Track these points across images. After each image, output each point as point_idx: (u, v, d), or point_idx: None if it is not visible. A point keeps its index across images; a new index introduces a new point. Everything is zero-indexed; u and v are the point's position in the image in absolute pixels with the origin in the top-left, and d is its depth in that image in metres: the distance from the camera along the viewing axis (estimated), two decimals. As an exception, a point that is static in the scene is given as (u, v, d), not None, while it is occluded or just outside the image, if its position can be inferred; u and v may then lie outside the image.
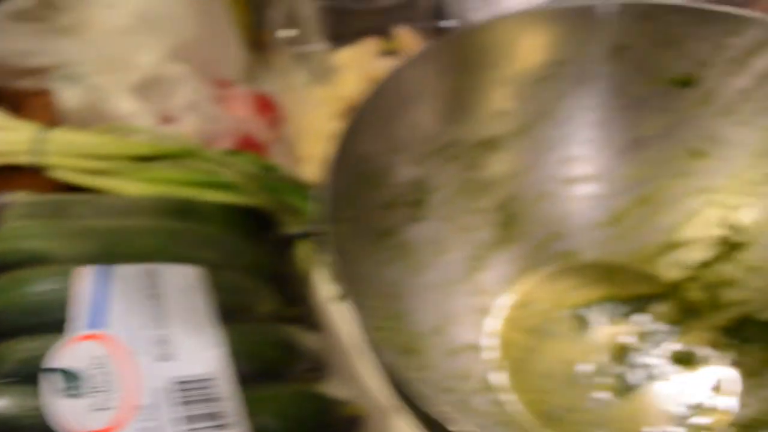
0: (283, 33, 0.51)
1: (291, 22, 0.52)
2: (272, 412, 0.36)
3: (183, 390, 0.33)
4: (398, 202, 0.40)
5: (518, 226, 0.45)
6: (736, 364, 0.41)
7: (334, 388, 0.40)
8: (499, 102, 0.43)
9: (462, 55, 0.40)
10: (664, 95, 0.44)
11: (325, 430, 0.37)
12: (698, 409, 0.39)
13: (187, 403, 0.33)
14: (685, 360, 0.41)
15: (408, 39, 0.53)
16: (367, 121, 0.36)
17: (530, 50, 0.42)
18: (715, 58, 0.42)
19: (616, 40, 0.42)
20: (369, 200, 0.37)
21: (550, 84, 0.43)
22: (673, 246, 0.45)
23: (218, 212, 0.44)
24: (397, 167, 0.39)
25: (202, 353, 0.35)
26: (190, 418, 0.32)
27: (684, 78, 0.43)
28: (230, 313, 0.39)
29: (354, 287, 0.31)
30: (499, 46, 0.41)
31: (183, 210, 0.43)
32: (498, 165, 0.44)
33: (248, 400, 0.35)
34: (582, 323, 0.43)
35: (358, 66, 0.53)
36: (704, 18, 0.40)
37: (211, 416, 0.33)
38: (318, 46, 0.53)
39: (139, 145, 0.44)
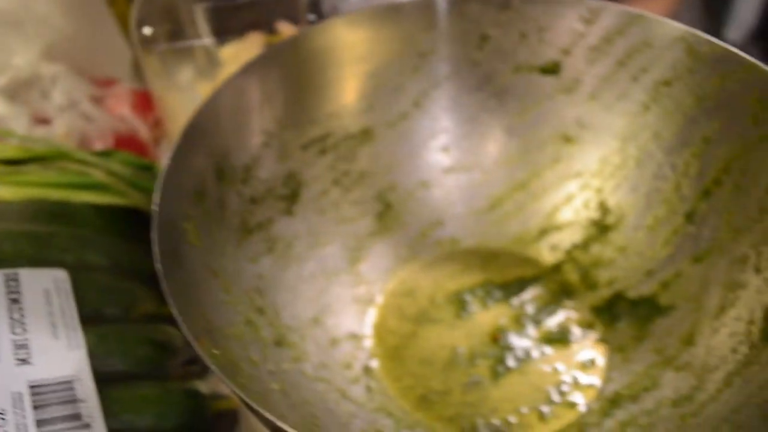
0: (167, 29, 0.50)
1: (174, 17, 0.51)
2: (142, 410, 0.36)
3: (38, 394, 0.33)
4: (268, 196, 0.40)
5: (398, 216, 0.46)
6: (605, 341, 0.42)
7: (213, 385, 0.40)
8: (362, 96, 0.43)
9: (317, 51, 0.40)
10: (532, 83, 0.45)
11: (198, 426, 0.37)
12: (569, 385, 0.40)
13: (41, 406, 0.32)
14: (558, 340, 0.42)
15: (291, 33, 0.53)
16: (217, 118, 0.35)
17: (386, 44, 0.42)
18: (576, 46, 0.43)
19: (479, 30, 0.43)
20: (233, 195, 0.37)
21: (419, 76, 0.44)
22: (550, 230, 0.46)
23: (93, 213, 0.44)
24: (263, 162, 0.39)
25: (63, 356, 0.34)
26: (45, 421, 0.32)
27: (549, 66, 0.44)
28: (101, 314, 0.38)
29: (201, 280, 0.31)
30: (350, 43, 0.41)
31: (53, 213, 0.42)
32: (372, 156, 0.44)
33: (117, 399, 0.35)
34: (462, 308, 0.44)
35: (244, 61, 0.52)
36: (561, 6, 0.41)
37: (72, 417, 0.33)
38: (203, 41, 0.52)
39: (7, 148, 0.43)
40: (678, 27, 0.39)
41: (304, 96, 0.41)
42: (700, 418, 0.34)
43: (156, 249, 0.28)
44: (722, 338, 0.37)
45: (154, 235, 0.29)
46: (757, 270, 0.36)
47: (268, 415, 0.25)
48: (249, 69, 0.37)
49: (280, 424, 0.25)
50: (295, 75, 0.40)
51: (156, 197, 0.30)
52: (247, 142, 0.39)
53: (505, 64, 0.44)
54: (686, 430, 0.34)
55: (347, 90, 0.42)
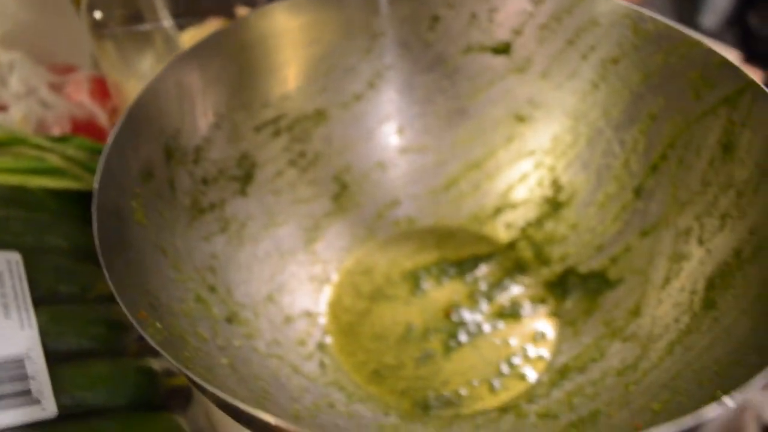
0: (122, 13, 0.50)
1: (131, 1, 0.51)
2: (93, 387, 0.36)
3: (-13, 371, 0.33)
4: (221, 177, 0.40)
5: (354, 196, 0.46)
6: (556, 315, 0.43)
7: (166, 362, 0.40)
8: (315, 78, 0.43)
9: (261, 36, 0.41)
10: (484, 64, 0.45)
11: (151, 402, 0.38)
12: (520, 358, 0.41)
13: (-12, 383, 0.33)
14: (510, 315, 0.43)
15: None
16: (162, 100, 0.36)
17: (334, 27, 0.42)
18: (526, 25, 0.43)
19: (430, 12, 0.43)
20: (183, 175, 0.38)
21: (371, 58, 0.44)
22: (504, 208, 0.47)
23: (49, 198, 0.44)
24: (214, 143, 0.40)
25: (14, 335, 0.35)
26: (-7, 398, 0.32)
27: (500, 46, 0.44)
28: (57, 294, 0.39)
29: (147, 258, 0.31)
30: (296, 27, 0.41)
31: (9, 198, 0.42)
32: (327, 138, 0.45)
33: (69, 376, 0.35)
34: (417, 286, 0.45)
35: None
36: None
37: (22, 393, 0.33)
38: (162, 26, 0.53)
39: (-38, 133, 0.43)
40: (622, 4, 0.40)
41: (253, 79, 0.41)
42: (642, 386, 0.35)
43: (95, 226, 0.29)
44: (666, 308, 0.37)
45: (94, 213, 0.29)
46: (700, 241, 0.37)
47: (208, 386, 0.25)
48: (191, 54, 0.37)
49: (220, 394, 0.25)
50: (240, 59, 0.40)
51: (97, 176, 0.31)
52: (197, 124, 0.39)
53: (457, 44, 0.45)
54: (629, 398, 0.34)
55: (299, 72, 0.43)
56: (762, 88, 0.34)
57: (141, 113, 0.34)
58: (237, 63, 0.39)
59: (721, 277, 0.34)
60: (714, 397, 0.25)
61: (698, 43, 0.37)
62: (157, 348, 0.25)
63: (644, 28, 0.39)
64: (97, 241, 0.28)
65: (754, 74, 0.74)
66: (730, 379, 0.28)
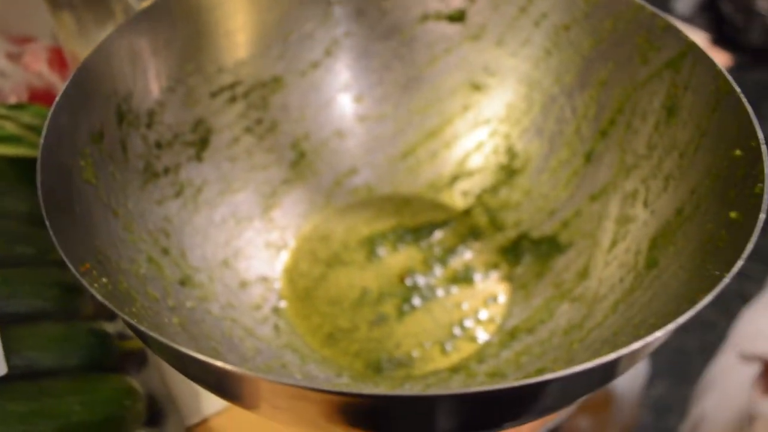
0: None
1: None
2: (45, 348, 0.36)
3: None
4: (176, 141, 0.41)
5: (312, 164, 0.47)
6: (509, 279, 0.43)
7: (121, 325, 0.41)
8: (271, 44, 0.44)
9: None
10: (440, 31, 0.45)
11: (104, 364, 0.38)
12: (472, 321, 0.41)
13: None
14: (463, 279, 0.44)
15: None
16: (112, 62, 0.36)
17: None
18: (480, -9, 0.43)
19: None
20: (136, 138, 0.38)
21: (328, 25, 0.45)
22: (461, 176, 0.47)
23: (6, 165, 0.44)
24: (168, 107, 0.40)
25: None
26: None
27: (455, 14, 0.45)
28: (13, 257, 0.39)
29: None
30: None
31: (-38, 163, 0.42)
32: (284, 105, 0.45)
33: (21, 337, 0.35)
34: (373, 252, 0.45)
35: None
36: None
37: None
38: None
39: None
40: (572, -29, 0.40)
41: (208, 43, 0.41)
42: (585, 343, 0.35)
43: (39, 181, 0.29)
44: (613, 270, 0.38)
45: (39, 170, 0.29)
46: (645, 203, 0.38)
47: (151, 333, 0.25)
48: (142, 17, 0.37)
49: (162, 340, 0.25)
50: (193, 23, 0.40)
51: (43, 132, 0.31)
52: (150, 87, 0.39)
53: (413, 12, 0.45)
54: (572, 354, 0.35)
55: (254, 38, 0.43)
56: (702, 51, 0.34)
57: (90, 75, 0.34)
58: (190, 27, 0.39)
59: (663, 237, 0.35)
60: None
61: (643, 7, 0.37)
62: (99, 298, 0.26)
63: (593, -6, 0.40)
64: (40, 196, 0.28)
65: (721, 56, 0.75)
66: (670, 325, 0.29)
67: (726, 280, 0.24)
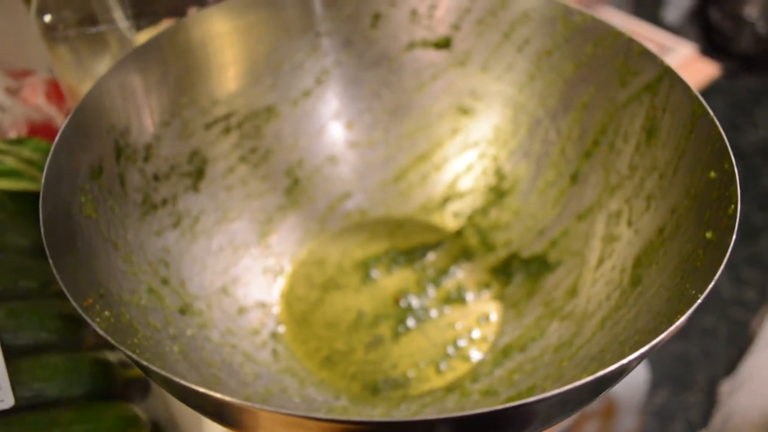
0: (76, 15, 0.51)
1: (84, 3, 0.52)
2: (50, 378, 0.37)
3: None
4: (173, 173, 0.42)
5: (306, 190, 0.48)
6: (500, 298, 0.44)
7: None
8: (263, 76, 0.45)
9: (205, 37, 0.42)
10: (427, 58, 0.47)
11: (108, 393, 0.39)
12: (465, 340, 0.42)
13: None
14: (456, 300, 0.45)
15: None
16: (109, 99, 0.37)
17: (276, 27, 0.44)
18: (464, 21, 0.45)
19: (372, 10, 0.45)
20: (134, 172, 0.39)
21: (317, 55, 0.46)
22: (452, 197, 0.49)
23: (7, 199, 0.45)
24: (164, 141, 0.41)
25: (-30, 330, 0.36)
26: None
27: (441, 41, 0.46)
28: (16, 291, 0.40)
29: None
30: (239, 27, 0.43)
31: (-35, 199, 0.43)
32: (278, 134, 0.46)
33: (27, 369, 0.37)
34: (368, 274, 0.46)
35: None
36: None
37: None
38: (117, 27, 0.54)
39: None
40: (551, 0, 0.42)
41: (201, 78, 0.43)
42: (574, 361, 0.36)
43: (42, 218, 0.30)
44: (600, 287, 0.39)
45: (41, 206, 0.31)
46: (629, 223, 0.39)
47: (151, 366, 0.26)
48: (135, 55, 0.39)
49: (163, 373, 0.26)
50: (185, 59, 0.41)
51: (45, 171, 0.32)
52: (146, 122, 0.40)
53: (400, 41, 0.47)
54: (562, 371, 0.36)
55: (246, 70, 0.44)
56: (677, 75, 0.36)
57: (88, 112, 0.35)
58: (182, 62, 0.41)
59: (646, 255, 0.36)
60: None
61: (621, 34, 0.39)
62: (101, 332, 0.27)
63: (573, 21, 0.41)
64: (43, 233, 0.29)
65: (711, 66, 0.76)
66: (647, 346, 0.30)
67: (699, 301, 0.25)
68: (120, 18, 0.53)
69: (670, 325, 0.27)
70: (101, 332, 0.27)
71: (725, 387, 0.70)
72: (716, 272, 0.27)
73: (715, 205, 0.31)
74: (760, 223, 1.25)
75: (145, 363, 0.26)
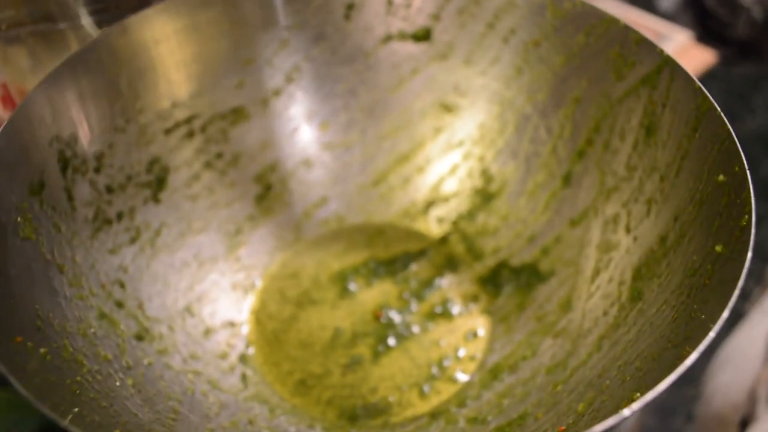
0: (29, 11, 0.47)
1: (44, 2, 0.48)
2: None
3: None
4: (129, 184, 0.38)
5: (279, 197, 0.44)
6: (489, 312, 0.41)
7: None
8: (228, 74, 0.41)
9: (157, 35, 0.38)
10: (406, 52, 0.43)
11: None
12: (451, 360, 0.39)
13: None
14: (441, 314, 0.41)
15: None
16: (49, 108, 0.34)
17: (240, 20, 0.40)
18: (444, 10, 0.41)
19: (343, 1, 0.41)
20: (83, 184, 0.35)
21: (287, 50, 0.42)
22: (436, 201, 0.45)
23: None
24: (118, 149, 0.37)
25: None
26: None
27: (420, 32, 0.42)
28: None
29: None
30: (198, 23, 0.39)
31: None
32: (247, 137, 0.43)
33: None
34: (346, 288, 0.43)
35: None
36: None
37: None
38: (80, 26, 0.50)
39: None
40: (538, -16, 0.38)
41: (157, 79, 0.39)
42: (569, 385, 0.33)
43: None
44: (596, 301, 0.36)
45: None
46: (628, 229, 0.36)
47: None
48: (79, 57, 0.35)
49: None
50: (137, 59, 0.38)
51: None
52: (95, 129, 0.37)
53: (376, 33, 0.43)
54: (556, 398, 0.33)
55: (208, 69, 0.41)
56: (679, 66, 0.32)
57: (24, 124, 0.32)
58: (133, 64, 0.37)
59: (647, 266, 0.33)
60: (631, 399, 0.24)
61: (615, 21, 0.35)
62: (17, 386, 0.23)
63: (562, 8, 0.38)
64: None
65: (707, 53, 0.72)
66: (650, 374, 0.27)
67: (712, 334, 0.22)
68: (82, 14, 0.49)
69: (677, 354, 0.23)
70: (18, 387, 0.23)
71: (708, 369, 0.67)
72: (730, 297, 0.23)
73: (724, 213, 0.28)
74: (760, 212, 1.22)
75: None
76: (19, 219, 0.31)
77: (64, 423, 0.22)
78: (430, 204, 0.45)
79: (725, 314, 0.22)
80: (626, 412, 0.21)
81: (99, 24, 0.50)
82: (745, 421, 0.48)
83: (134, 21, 0.36)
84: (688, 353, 0.22)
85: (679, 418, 1.20)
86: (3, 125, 0.30)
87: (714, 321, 0.23)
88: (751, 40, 1.56)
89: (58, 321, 0.31)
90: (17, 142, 0.31)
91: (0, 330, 0.25)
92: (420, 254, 0.44)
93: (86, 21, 0.47)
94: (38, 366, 0.27)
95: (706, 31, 1.63)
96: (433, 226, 0.45)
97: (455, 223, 0.44)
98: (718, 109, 0.29)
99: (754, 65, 1.57)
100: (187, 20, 0.38)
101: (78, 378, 0.29)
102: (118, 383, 0.32)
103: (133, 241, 0.38)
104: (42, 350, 0.28)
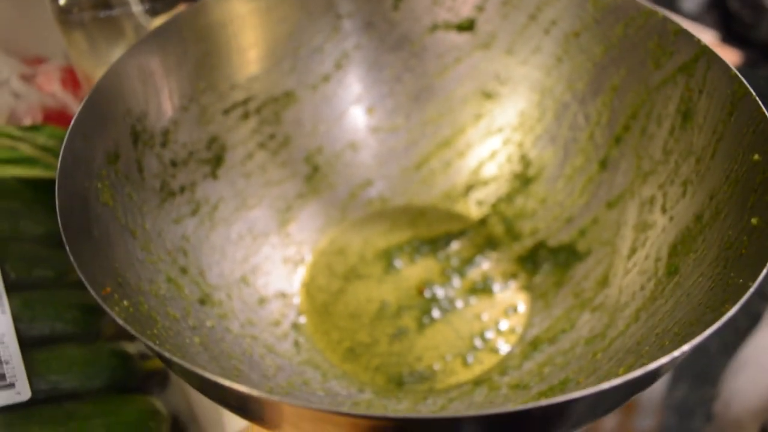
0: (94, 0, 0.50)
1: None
2: (67, 370, 0.36)
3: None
4: (191, 160, 0.41)
5: (326, 177, 0.47)
6: (528, 289, 0.43)
7: (142, 345, 0.41)
8: (282, 59, 0.44)
9: (223, 19, 0.41)
10: (450, 41, 0.45)
11: (127, 385, 0.38)
12: (492, 332, 0.41)
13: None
14: (482, 290, 0.43)
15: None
16: (125, 83, 0.36)
17: (298, 7, 0.43)
18: (488, 1, 0.43)
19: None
20: (151, 158, 0.38)
21: (338, 38, 0.45)
22: (476, 185, 0.47)
23: (22, 187, 0.44)
24: (182, 126, 0.40)
25: (-15, 320, 0.35)
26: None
27: (465, 23, 0.45)
28: (32, 280, 0.39)
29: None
30: (260, 8, 0.42)
31: (-20, 186, 0.42)
32: (297, 119, 0.45)
33: (43, 360, 0.36)
34: (391, 264, 0.45)
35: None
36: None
37: (-5, 377, 0.34)
38: (132, 13, 0.52)
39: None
40: (580, -22, 0.40)
41: (219, 61, 0.41)
42: (609, 353, 0.35)
43: (58, 206, 0.29)
44: (633, 277, 0.38)
45: (57, 193, 0.29)
46: (664, 209, 0.38)
47: (172, 356, 0.25)
48: (152, 38, 0.37)
49: (184, 364, 0.25)
50: (203, 42, 0.40)
51: (60, 157, 0.31)
52: (163, 107, 0.39)
53: (422, 23, 0.45)
54: (596, 364, 0.35)
55: (265, 54, 0.43)
56: (716, 54, 0.34)
57: (103, 97, 0.34)
58: (201, 45, 0.40)
59: (683, 243, 0.35)
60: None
61: (654, 13, 0.37)
62: (121, 323, 0.26)
63: (603, 1, 0.40)
64: (60, 220, 0.28)
65: (731, 55, 0.74)
66: (689, 337, 0.28)
67: (751, 290, 0.24)
68: (134, 2, 0.51)
69: (719, 315, 0.25)
70: (120, 322, 0.25)
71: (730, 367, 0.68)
72: (767, 259, 0.25)
73: (760, 189, 0.30)
74: (781, 213, 1.23)
75: (167, 354, 0.24)
76: (99, 185, 0.34)
77: (158, 349, 0.24)
78: (470, 187, 0.47)
79: (764, 272, 0.25)
80: (676, 353, 0.23)
81: (151, 12, 0.53)
82: (766, 429, 0.49)
83: (212, 1, 0.38)
84: (728, 309, 0.24)
85: (698, 418, 1.22)
86: (86, 97, 0.33)
87: (753, 279, 0.25)
88: (775, 43, 1.56)
89: (134, 280, 0.34)
90: (98, 114, 0.34)
91: (92, 280, 0.28)
92: (461, 234, 0.46)
93: (137, 9, 0.50)
94: (125, 314, 0.29)
95: (730, 33, 1.64)
96: (473, 208, 0.47)
97: (494, 206, 0.47)
98: (754, 93, 0.31)
99: (777, 68, 1.57)
100: (255, 3, 0.40)
101: (155, 331, 0.32)
102: (187, 341, 0.34)
103: (194, 213, 0.41)
104: (125, 303, 0.31)
